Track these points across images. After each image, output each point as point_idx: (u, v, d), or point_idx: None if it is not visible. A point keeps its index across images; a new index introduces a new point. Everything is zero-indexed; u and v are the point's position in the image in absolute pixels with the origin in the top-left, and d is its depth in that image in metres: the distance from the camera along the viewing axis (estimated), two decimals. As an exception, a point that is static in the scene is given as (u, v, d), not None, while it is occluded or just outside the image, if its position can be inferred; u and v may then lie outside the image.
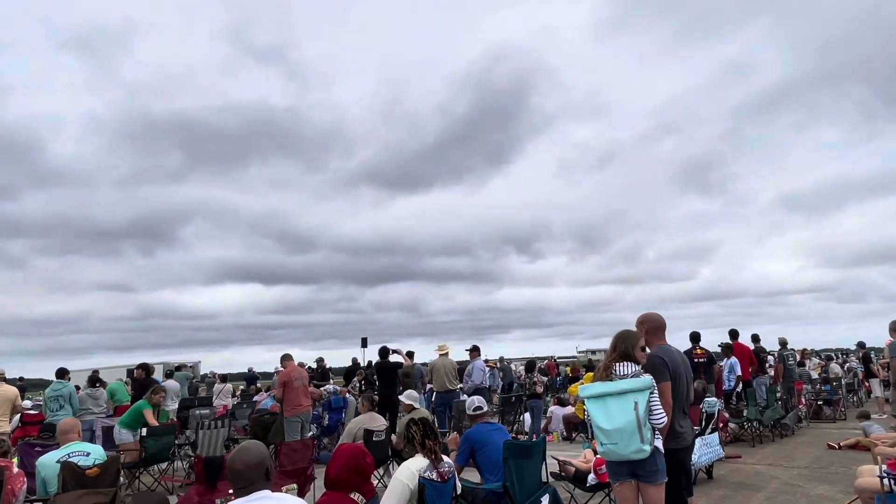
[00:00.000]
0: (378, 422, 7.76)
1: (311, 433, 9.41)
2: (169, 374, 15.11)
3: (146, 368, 11.50)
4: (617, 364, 3.94)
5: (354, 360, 17.76)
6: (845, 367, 21.51)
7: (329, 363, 18.01)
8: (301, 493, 5.92)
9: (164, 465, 8.72)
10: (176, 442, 8.88)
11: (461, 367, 12.33)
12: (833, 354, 26.23)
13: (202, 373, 25.64)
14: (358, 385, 14.94)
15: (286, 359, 9.87)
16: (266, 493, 2.60)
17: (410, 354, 14.19)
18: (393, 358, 11.71)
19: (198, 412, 10.76)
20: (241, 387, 19.31)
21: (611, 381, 3.85)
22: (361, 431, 7.41)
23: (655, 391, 3.83)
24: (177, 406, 12.56)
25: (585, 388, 3.92)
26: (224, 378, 17.43)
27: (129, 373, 18.55)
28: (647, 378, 3.84)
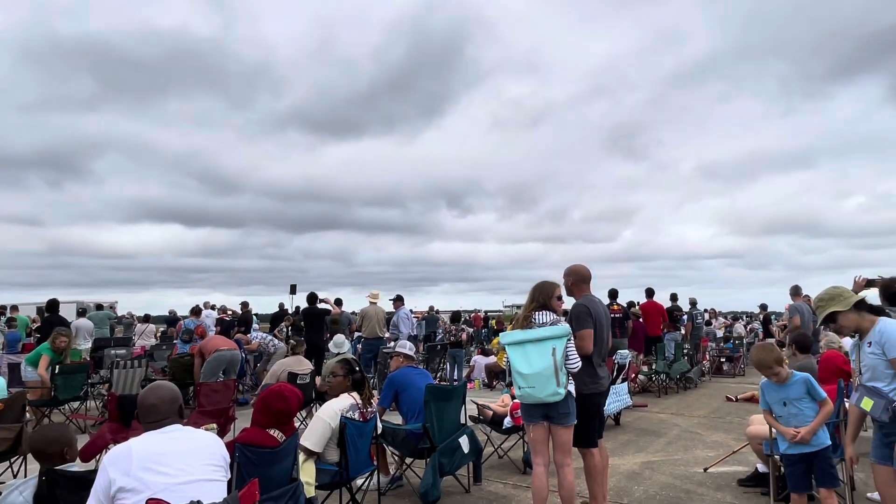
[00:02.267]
0: (304, 365, 7.73)
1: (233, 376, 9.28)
2: (81, 313, 14.45)
3: (52, 305, 10.88)
4: (536, 313, 4.08)
5: (281, 306, 17.50)
6: (748, 327, 23.09)
7: (256, 309, 17.70)
8: (222, 434, 5.87)
9: (76, 405, 8.45)
10: (89, 381, 8.55)
11: (388, 317, 12.40)
12: (738, 316, 28.04)
13: (119, 314, 24.66)
14: (285, 331, 14.79)
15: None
16: (178, 426, 2.55)
17: (339, 302, 14.14)
18: (321, 305, 11.68)
19: (113, 352, 10.37)
20: (162, 328, 18.75)
21: (530, 329, 3.99)
22: (286, 374, 7.37)
23: (572, 338, 4.01)
24: (90, 346, 12.06)
25: (506, 335, 4.04)
26: (146, 318, 16.82)
27: (39, 311, 17.59)
28: (565, 326, 4.01)
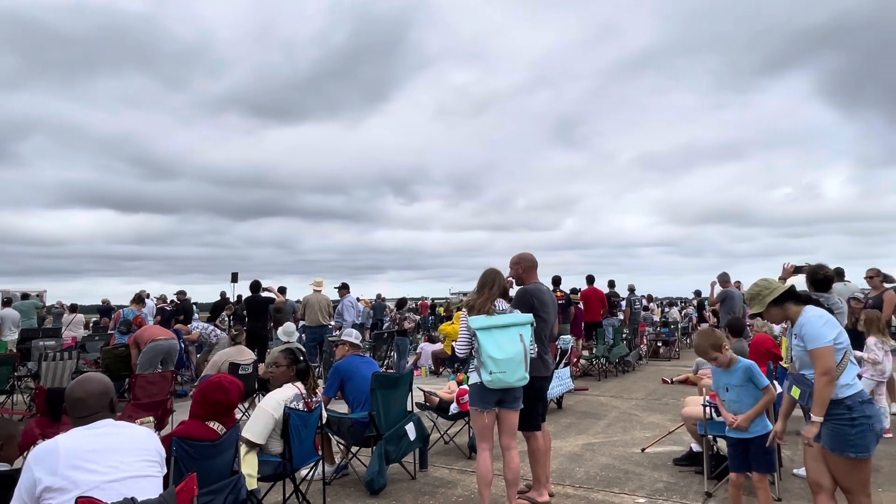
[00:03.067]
0: (245, 355, 7.53)
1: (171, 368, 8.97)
2: (7, 303, 13.63)
3: None
4: (496, 301, 4.16)
5: (223, 295, 17.03)
6: (682, 313, 24.00)
7: (195, 298, 17.14)
8: (159, 427, 5.67)
9: (1, 399, 7.99)
10: (15, 374, 8.09)
11: (334, 305, 12.24)
12: (674, 301, 29.09)
13: (48, 303, 23.43)
14: (227, 320, 14.39)
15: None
16: (109, 421, 2.42)
17: (283, 290, 13.85)
18: (265, 294, 11.42)
19: (42, 343, 9.85)
20: (94, 319, 17.93)
21: (492, 315, 4.03)
22: (227, 364, 7.17)
23: (533, 325, 4.11)
24: (17, 336, 11.42)
25: (476, 320, 4.00)
26: (74, 308, 16.02)
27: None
28: (529, 315, 4.12)
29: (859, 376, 3.19)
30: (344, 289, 12.07)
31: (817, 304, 3.31)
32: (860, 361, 6.29)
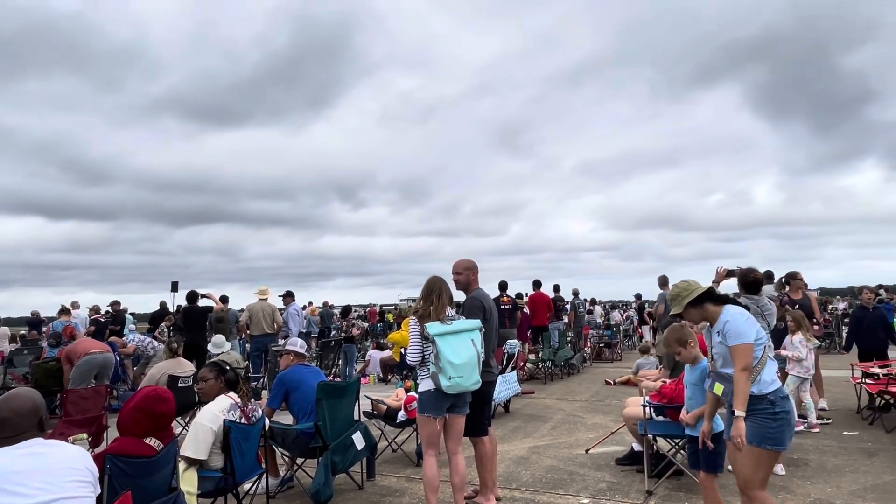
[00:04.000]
0: (184, 367, 7.29)
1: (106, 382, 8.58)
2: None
3: None
4: (447, 309, 4.23)
5: (163, 304, 16.44)
6: (624, 315, 24.67)
7: (133, 308, 16.51)
8: (94, 444, 5.42)
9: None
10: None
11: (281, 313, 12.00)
12: (616, 304, 29.83)
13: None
14: (166, 331, 13.90)
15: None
16: (37, 440, 2.30)
17: (224, 299, 13.46)
18: (203, 302, 11.09)
19: (-37, 360, 9.25)
20: (23, 332, 16.99)
21: (443, 322, 4.08)
22: (165, 377, 6.92)
23: (482, 330, 4.21)
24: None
25: (431, 326, 4.03)
26: (-2, 321, 15.15)
27: None
28: (477, 321, 4.21)
29: (785, 373, 3.35)
30: (289, 297, 11.86)
31: (735, 303, 3.43)
32: (784, 359, 6.61)
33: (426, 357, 4.05)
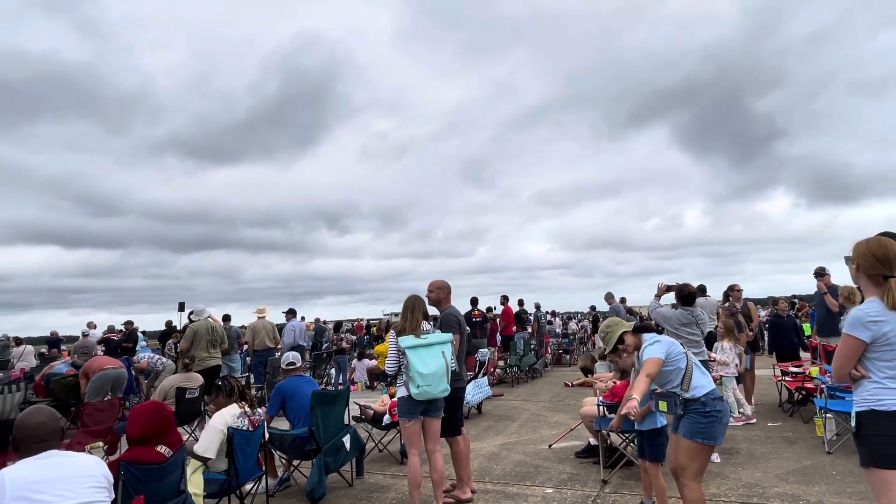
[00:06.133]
0: (194, 381, 7.11)
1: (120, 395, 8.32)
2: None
3: None
4: (422, 323, 4.23)
5: (169, 323, 16.08)
6: (579, 325, 24.82)
7: (142, 327, 16.08)
8: (110, 452, 5.25)
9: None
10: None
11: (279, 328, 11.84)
12: (572, 316, 30.04)
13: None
14: (173, 347, 13.57)
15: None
16: (54, 451, 2.24)
17: (227, 318, 13.22)
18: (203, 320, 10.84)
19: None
20: (42, 350, 16.43)
21: (418, 336, 4.08)
22: (174, 390, 6.74)
23: (453, 343, 4.24)
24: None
25: (405, 339, 4.04)
26: (19, 341, 14.61)
27: None
28: (449, 334, 4.24)
29: (717, 379, 3.45)
30: (290, 314, 11.71)
31: (648, 330, 3.64)
32: (706, 363, 6.68)
33: (402, 367, 4.04)
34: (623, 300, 12.11)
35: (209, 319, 8.70)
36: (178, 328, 15.58)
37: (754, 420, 6.75)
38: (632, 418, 4.06)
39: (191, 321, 9.62)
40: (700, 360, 3.91)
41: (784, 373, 7.59)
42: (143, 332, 16.72)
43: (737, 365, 6.82)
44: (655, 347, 3.38)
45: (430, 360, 3.96)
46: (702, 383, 3.29)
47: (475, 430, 7.01)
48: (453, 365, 4.14)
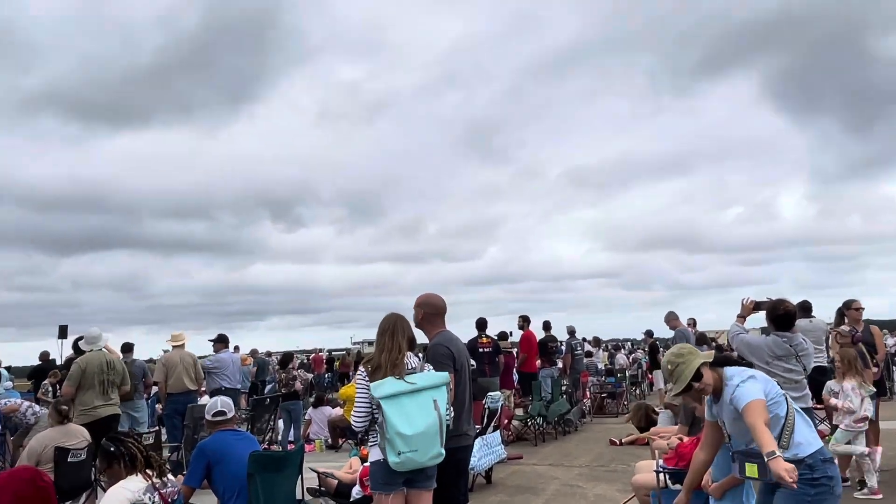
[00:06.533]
0: (76, 437, 7.08)
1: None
2: None
3: None
4: (407, 356, 4.06)
5: (45, 356, 16.07)
6: (631, 357, 24.87)
7: (6, 361, 16.07)
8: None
9: None
10: None
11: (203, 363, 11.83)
12: (620, 344, 30.12)
13: None
14: (51, 389, 13.56)
15: None
16: None
17: (128, 347, 13.18)
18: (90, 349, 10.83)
19: None
20: None
21: (404, 377, 3.91)
22: (51, 451, 6.71)
23: (450, 387, 4.05)
24: None
25: (379, 386, 3.85)
26: None
27: None
28: (442, 373, 4.07)
29: (833, 427, 3.44)
30: (220, 342, 11.71)
31: (732, 362, 3.63)
32: (810, 412, 6.68)
33: (377, 419, 3.84)
34: (692, 322, 12.16)
35: (104, 350, 8.68)
36: (59, 363, 15.56)
37: (880, 495, 6.74)
38: (708, 492, 4.07)
39: (77, 353, 9.58)
40: (802, 408, 3.91)
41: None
42: (8, 368, 16.71)
43: (867, 414, 6.72)
44: (751, 385, 3.32)
45: (416, 416, 3.78)
46: (808, 439, 3.29)
47: (483, 508, 7.01)
48: (450, 418, 4.00)
